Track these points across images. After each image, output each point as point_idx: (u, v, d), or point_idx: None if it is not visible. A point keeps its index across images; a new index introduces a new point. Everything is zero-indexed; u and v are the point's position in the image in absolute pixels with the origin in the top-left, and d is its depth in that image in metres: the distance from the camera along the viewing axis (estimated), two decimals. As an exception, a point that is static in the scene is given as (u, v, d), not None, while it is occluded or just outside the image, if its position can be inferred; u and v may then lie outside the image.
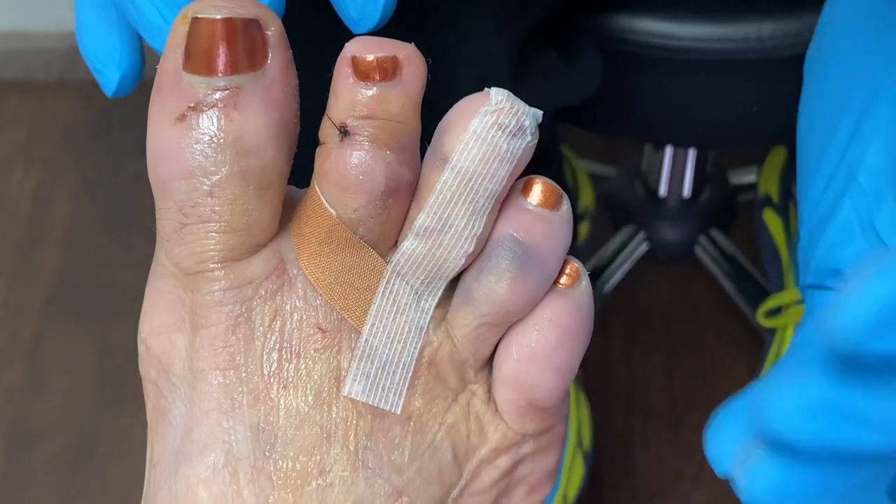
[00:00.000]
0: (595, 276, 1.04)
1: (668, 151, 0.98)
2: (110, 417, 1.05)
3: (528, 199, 0.29)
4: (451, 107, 0.29)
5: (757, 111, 0.65)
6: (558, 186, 0.30)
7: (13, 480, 1.02)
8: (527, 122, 0.28)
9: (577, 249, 1.04)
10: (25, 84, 1.27)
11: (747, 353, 1.05)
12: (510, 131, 0.28)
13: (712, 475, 0.92)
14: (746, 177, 1.09)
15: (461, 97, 0.29)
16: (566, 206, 0.30)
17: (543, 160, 0.67)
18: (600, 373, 1.05)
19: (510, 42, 0.49)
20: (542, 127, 0.29)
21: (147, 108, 0.28)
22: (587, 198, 1.08)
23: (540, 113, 0.29)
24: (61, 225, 1.16)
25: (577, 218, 1.05)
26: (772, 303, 0.99)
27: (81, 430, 1.04)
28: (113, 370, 1.07)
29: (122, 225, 1.16)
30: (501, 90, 0.28)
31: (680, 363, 1.06)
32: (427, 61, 0.29)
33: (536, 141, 0.29)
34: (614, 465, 1.00)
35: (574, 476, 0.94)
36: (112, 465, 1.02)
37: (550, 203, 0.29)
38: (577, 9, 0.60)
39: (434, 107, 0.30)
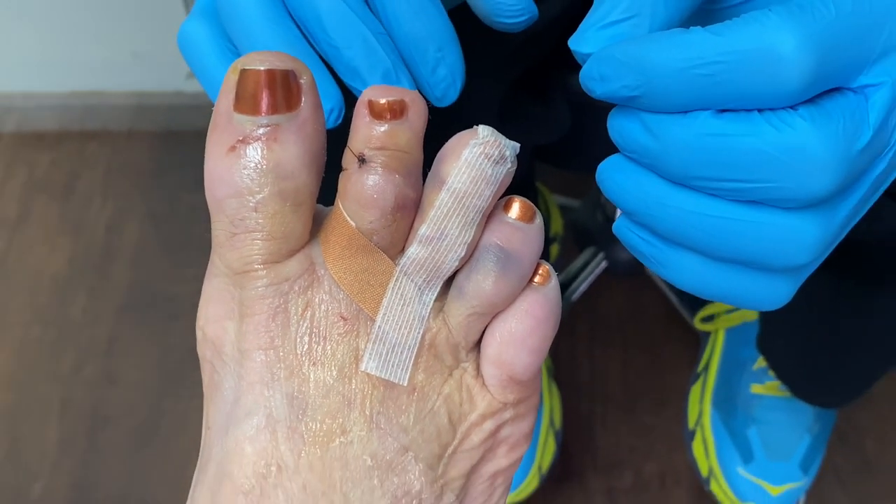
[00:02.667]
0: (563, 288, 1.04)
1: (623, 187, 0.98)
2: (170, 403, 1.04)
3: (509, 214, 0.30)
4: (447, 140, 0.29)
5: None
6: (532, 204, 0.30)
7: (92, 455, 1.01)
8: (507, 153, 0.29)
9: (549, 266, 1.04)
10: (102, 133, 1.27)
11: (687, 350, 1.05)
12: (494, 159, 0.28)
13: (659, 449, 0.92)
14: (686, 208, 1.09)
15: (456, 133, 0.29)
16: (539, 219, 0.30)
17: (522, 194, 0.67)
18: (568, 367, 1.05)
19: (498, 92, 0.49)
20: (522, 163, 0.30)
21: (197, 154, 0.29)
22: (557, 224, 1.08)
23: (517, 145, 0.29)
24: (130, 248, 1.16)
25: (548, 241, 1.05)
26: (706, 311, 1.00)
27: (147, 414, 1.04)
28: (172, 365, 1.07)
29: (179, 248, 1.16)
30: (487, 127, 0.29)
31: (633, 359, 1.06)
32: (428, 104, 0.29)
33: (515, 167, 0.29)
34: (580, 442, 1.00)
35: (547, 450, 0.94)
36: (172, 443, 1.02)
37: (526, 217, 0.30)
38: (551, 68, 0.61)
39: (435, 139, 0.30)
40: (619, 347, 1.07)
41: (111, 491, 0.99)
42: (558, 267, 1.07)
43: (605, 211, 1.03)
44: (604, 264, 1.05)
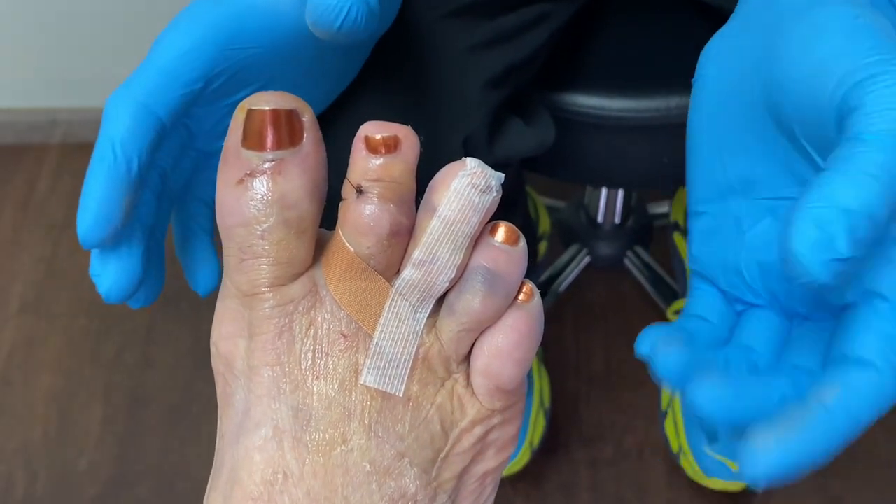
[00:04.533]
0: (551, 281, 1.04)
1: (604, 190, 0.97)
2: (201, 386, 1.04)
3: (495, 238, 0.28)
4: (440, 167, 0.28)
5: (666, 162, 0.65)
6: (517, 228, 0.29)
7: (131, 432, 1.01)
8: (493, 182, 0.28)
9: (538, 262, 1.03)
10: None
11: (662, 335, 1.05)
12: (481, 189, 0.27)
13: (638, 424, 0.91)
14: (661, 208, 1.08)
15: (450, 158, 0.28)
16: (523, 242, 0.29)
17: (514, 199, 0.67)
18: (556, 350, 1.04)
19: (487, 113, 0.48)
20: (511, 174, 0.29)
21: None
22: (545, 224, 1.07)
23: (502, 175, 0.28)
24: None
25: (537, 239, 1.04)
26: (678, 304, 0.99)
27: (180, 396, 1.04)
28: (203, 352, 1.06)
29: (209, 246, 1.15)
30: (475, 159, 0.28)
31: (613, 343, 1.06)
32: (420, 138, 0.28)
33: (500, 195, 0.28)
34: (567, 418, 0.99)
35: (538, 427, 0.93)
36: (202, 421, 1.01)
37: (511, 241, 0.29)
38: (537, 87, 0.60)
39: (429, 166, 0.29)
40: (601, 332, 1.07)
41: (148, 463, 0.99)
42: (546, 262, 1.07)
43: (588, 212, 1.02)
44: (587, 259, 1.04)
